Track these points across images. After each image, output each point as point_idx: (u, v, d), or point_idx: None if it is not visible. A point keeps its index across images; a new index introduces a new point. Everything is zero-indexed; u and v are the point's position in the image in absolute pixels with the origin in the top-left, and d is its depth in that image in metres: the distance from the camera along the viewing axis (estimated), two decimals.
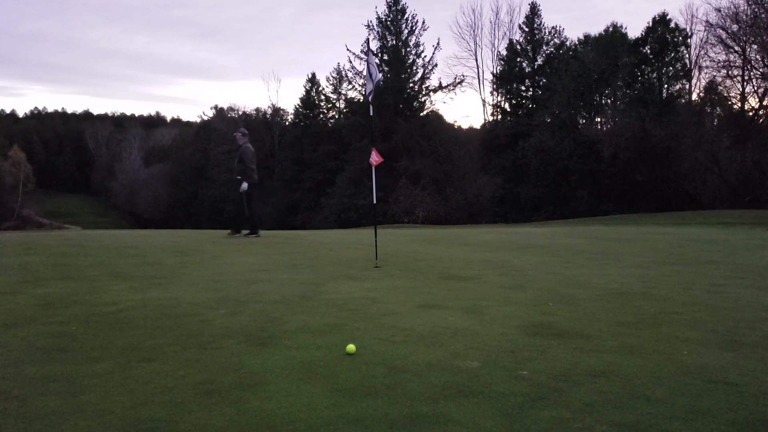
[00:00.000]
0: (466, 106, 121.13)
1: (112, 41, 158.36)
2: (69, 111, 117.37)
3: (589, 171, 34.44)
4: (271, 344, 3.23)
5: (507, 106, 46.46)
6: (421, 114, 46.12)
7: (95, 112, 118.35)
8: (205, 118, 65.93)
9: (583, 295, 4.73)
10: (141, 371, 2.74)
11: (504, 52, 46.23)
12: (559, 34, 44.40)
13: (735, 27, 30.94)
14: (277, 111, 59.31)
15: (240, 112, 61.88)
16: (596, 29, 62.96)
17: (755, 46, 30.46)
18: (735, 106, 34.28)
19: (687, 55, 38.17)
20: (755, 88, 32.63)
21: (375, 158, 7.81)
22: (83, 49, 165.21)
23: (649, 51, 37.69)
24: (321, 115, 54.32)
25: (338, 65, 65.71)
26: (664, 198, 31.76)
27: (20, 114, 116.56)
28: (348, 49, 51.48)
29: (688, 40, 37.86)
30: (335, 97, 52.56)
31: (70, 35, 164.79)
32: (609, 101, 39.74)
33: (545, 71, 42.54)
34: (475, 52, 50.12)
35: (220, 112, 63.93)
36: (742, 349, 3.12)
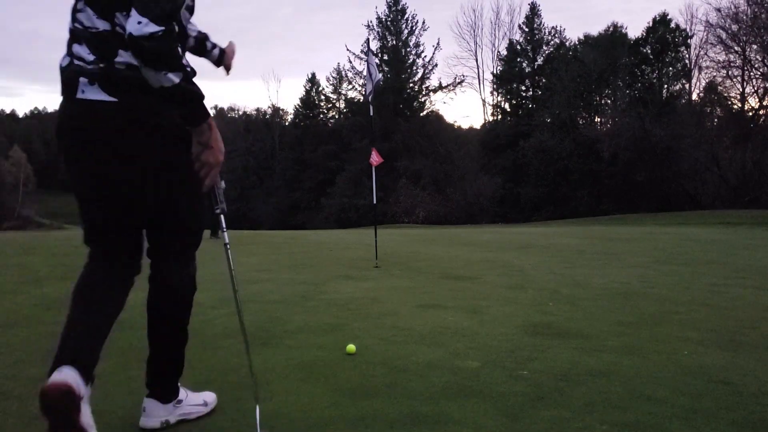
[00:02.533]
0: (466, 106, 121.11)
1: None
2: None
3: (589, 171, 34.45)
4: (272, 344, 3.23)
5: (507, 106, 46.50)
6: (421, 114, 46.12)
7: None
8: None
9: (583, 295, 4.73)
10: (141, 371, 2.74)
11: (504, 52, 46.28)
12: (560, 34, 44.47)
13: (735, 27, 30.96)
14: (277, 111, 59.32)
15: (240, 112, 61.90)
16: (596, 29, 62.98)
17: (755, 46, 30.47)
18: (735, 106, 34.28)
19: (687, 55, 38.20)
20: (755, 88, 32.67)
21: (375, 158, 7.83)
22: None
23: (649, 51, 37.68)
24: (321, 115, 54.32)
25: (338, 65, 65.70)
26: (664, 198, 31.78)
27: (20, 114, 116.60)
28: (348, 49, 51.56)
29: (688, 40, 37.87)
30: (335, 97, 52.60)
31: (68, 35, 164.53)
32: (609, 101, 39.74)
33: (545, 71, 42.56)
34: (475, 52, 50.26)
35: (220, 112, 63.94)
36: (742, 349, 3.13)
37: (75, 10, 1.85)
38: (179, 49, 1.75)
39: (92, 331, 1.99)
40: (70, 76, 1.85)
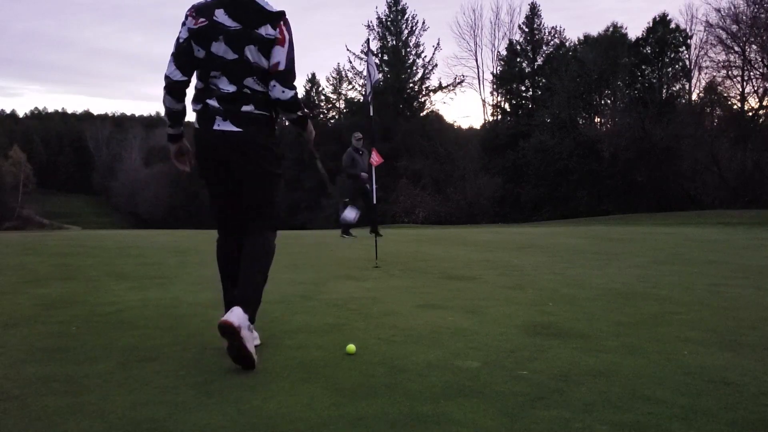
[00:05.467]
0: (466, 106, 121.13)
1: (109, 40, 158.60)
2: (69, 111, 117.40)
3: (589, 171, 34.43)
4: (272, 344, 3.24)
5: (507, 106, 46.44)
6: (421, 114, 46.07)
7: (95, 112, 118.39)
8: None
9: (583, 295, 4.73)
10: (141, 371, 2.74)
11: (504, 53, 46.20)
12: (559, 34, 44.40)
13: (735, 27, 30.93)
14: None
15: None
16: (596, 29, 63.02)
17: (755, 47, 30.45)
18: (735, 106, 34.28)
19: (687, 56, 38.17)
20: (755, 88, 32.66)
21: (375, 158, 7.83)
22: (80, 48, 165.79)
23: (649, 51, 37.65)
24: (321, 115, 54.26)
25: (338, 65, 65.63)
26: (664, 198, 31.75)
27: (20, 114, 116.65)
28: (348, 49, 51.41)
29: (688, 40, 37.85)
30: (335, 97, 52.54)
31: (66, 34, 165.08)
32: (609, 101, 39.70)
33: (545, 71, 42.50)
34: (475, 52, 50.16)
35: None
36: (742, 349, 3.13)
37: (210, 77, 2.87)
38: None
39: (234, 280, 3.04)
40: (208, 115, 2.88)
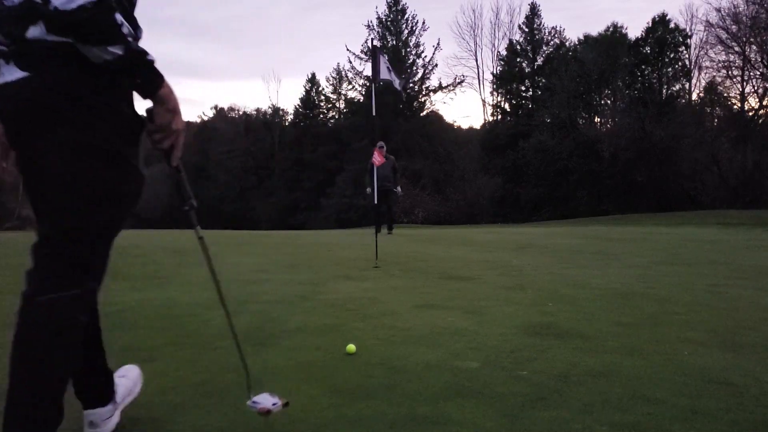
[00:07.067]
0: (466, 106, 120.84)
1: None
2: None
3: (589, 171, 34.41)
4: (271, 344, 3.23)
5: (507, 106, 46.40)
6: (421, 114, 46.05)
7: None
8: (205, 118, 65.76)
9: (583, 295, 4.72)
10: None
11: (504, 53, 46.16)
12: (559, 34, 44.38)
13: (735, 27, 30.94)
14: (277, 111, 59.17)
15: (240, 112, 61.76)
16: (596, 29, 63.00)
17: (755, 47, 30.45)
18: (735, 106, 34.29)
19: (687, 56, 38.19)
20: (755, 88, 32.68)
21: (377, 158, 7.83)
22: None
23: (648, 51, 37.66)
24: (321, 116, 54.21)
25: (338, 65, 65.47)
26: (664, 198, 31.74)
27: None
28: (348, 49, 51.21)
29: (688, 40, 37.88)
30: (335, 97, 52.49)
31: None
32: (609, 101, 39.68)
33: (545, 71, 42.48)
34: (475, 52, 50.09)
35: (220, 112, 63.78)
36: (742, 350, 3.12)
37: None
38: (117, 17, 1.52)
39: None
40: None
